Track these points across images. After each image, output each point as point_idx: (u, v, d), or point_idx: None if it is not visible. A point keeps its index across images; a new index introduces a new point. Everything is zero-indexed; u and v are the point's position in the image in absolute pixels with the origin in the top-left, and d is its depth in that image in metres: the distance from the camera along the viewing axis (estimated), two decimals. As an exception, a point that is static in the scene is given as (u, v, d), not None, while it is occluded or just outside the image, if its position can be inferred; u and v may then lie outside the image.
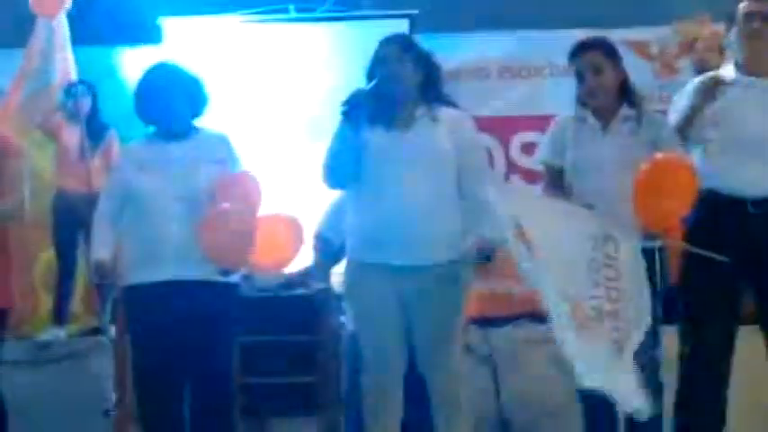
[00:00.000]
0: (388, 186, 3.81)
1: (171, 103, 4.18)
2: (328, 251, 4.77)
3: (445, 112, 3.96)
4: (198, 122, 4.32)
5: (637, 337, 3.64)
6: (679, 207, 3.83)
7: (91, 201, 6.22)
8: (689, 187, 3.84)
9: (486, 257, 3.82)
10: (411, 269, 3.79)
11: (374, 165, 3.85)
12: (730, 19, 4.15)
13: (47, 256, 6.72)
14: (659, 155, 3.90)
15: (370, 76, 3.93)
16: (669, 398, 4.10)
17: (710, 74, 4.20)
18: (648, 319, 3.67)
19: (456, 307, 3.92)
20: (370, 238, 3.86)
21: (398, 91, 3.90)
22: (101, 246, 4.20)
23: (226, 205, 4.00)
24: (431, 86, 3.97)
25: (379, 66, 3.91)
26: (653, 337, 3.96)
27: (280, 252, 4.84)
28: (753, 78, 4.08)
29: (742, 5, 4.10)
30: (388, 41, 3.99)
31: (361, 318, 3.98)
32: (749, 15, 4.06)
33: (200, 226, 3.95)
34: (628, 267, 3.68)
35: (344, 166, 3.88)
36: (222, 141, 4.29)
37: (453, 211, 3.86)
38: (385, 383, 3.89)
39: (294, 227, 4.83)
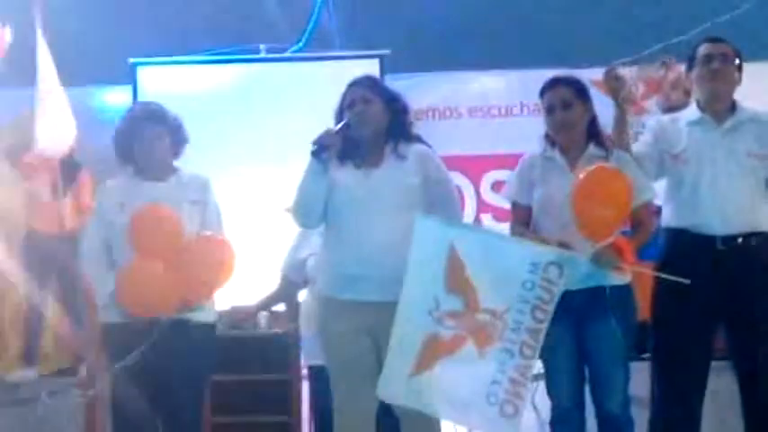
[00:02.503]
0: (359, 224, 3.84)
1: (153, 142, 4.19)
2: (293, 290, 4.79)
3: (412, 149, 4.00)
4: (176, 163, 4.33)
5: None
6: (614, 216, 3.88)
7: (62, 241, 6.24)
8: (623, 196, 3.89)
9: None
10: (382, 305, 3.79)
11: (344, 203, 3.89)
12: (690, 61, 4.22)
13: (16, 296, 6.67)
14: (594, 166, 3.96)
15: (338, 118, 3.97)
16: (640, 433, 4.13)
17: (667, 117, 4.28)
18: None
19: None
20: (342, 275, 3.88)
21: (367, 132, 3.94)
22: (103, 285, 4.20)
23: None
24: (398, 126, 4.01)
25: (347, 108, 3.95)
26: (624, 373, 3.99)
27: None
28: (715, 118, 4.15)
29: (701, 47, 4.18)
30: (355, 83, 4.03)
31: (333, 355, 3.98)
32: (708, 57, 4.14)
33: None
34: (560, 291, 3.78)
35: (315, 206, 3.91)
36: (201, 183, 4.30)
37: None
38: (357, 421, 3.90)
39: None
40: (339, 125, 3.91)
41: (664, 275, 3.93)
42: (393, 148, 3.97)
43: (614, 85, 4.12)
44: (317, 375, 4.59)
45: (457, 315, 3.79)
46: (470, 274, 3.78)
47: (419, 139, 4.07)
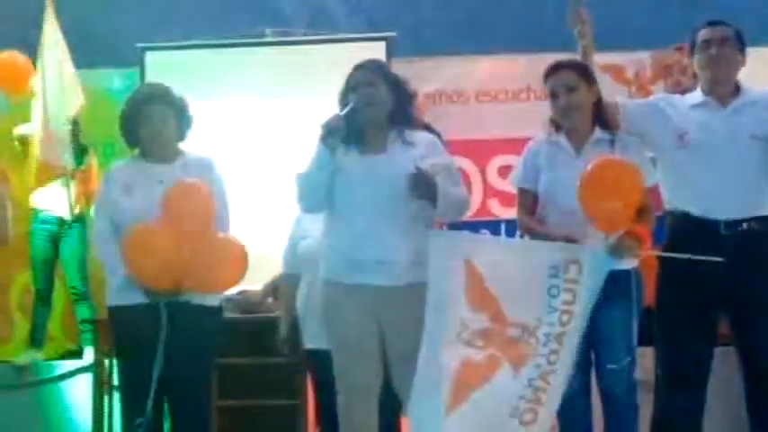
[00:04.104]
0: (363, 209, 3.84)
1: (158, 123, 4.19)
2: (294, 286, 4.77)
3: (417, 136, 4.01)
4: (182, 145, 4.33)
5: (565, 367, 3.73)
6: (624, 207, 3.84)
7: (70, 224, 6.26)
8: (631, 186, 3.85)
9: (423, 189, 3.78)
10: (386, 290, 3.82)
11: (349, 188, 3.89)
12: (692, 46, 4.21)
13: (23, 279, 6.70)
14: (602, 157, 3.94)
15: (343, 102, 3.97)
16: (645, 418, 4.13)
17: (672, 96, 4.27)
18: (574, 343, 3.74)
19: None
20: (345, 260, 3.88)
21: (373, 116, 3.94)
22: (118, 265, 4.13)
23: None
24: (402, 112, 4.01)
25: (352, 91, 3.95)
26: (630, 359, 4.00)
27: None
28: (719, 101, 4.14)
29: (700, 32, 4.16)
30: (361, 67, 4.03)
31: (337, 338, 3.98)
32: (706, 42, 4.12)
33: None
34: (586, 289, 3.73)
35: (320, 190, 3.92)
36: (206, 165, 4.30)
37: (427, 232, 3.88)
38: (360, 403, 3.91)
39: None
40: (345, 109, 3.90)
41: (689, 256, 3.86)
42: (398, 134, 3.97)
43: (583, 21, 4.12)
44: (314, 359, 4.57)
45: (487, 333, 3.74)
46: (490, 286, 3.74)
47: (427, 128, 4.06)
